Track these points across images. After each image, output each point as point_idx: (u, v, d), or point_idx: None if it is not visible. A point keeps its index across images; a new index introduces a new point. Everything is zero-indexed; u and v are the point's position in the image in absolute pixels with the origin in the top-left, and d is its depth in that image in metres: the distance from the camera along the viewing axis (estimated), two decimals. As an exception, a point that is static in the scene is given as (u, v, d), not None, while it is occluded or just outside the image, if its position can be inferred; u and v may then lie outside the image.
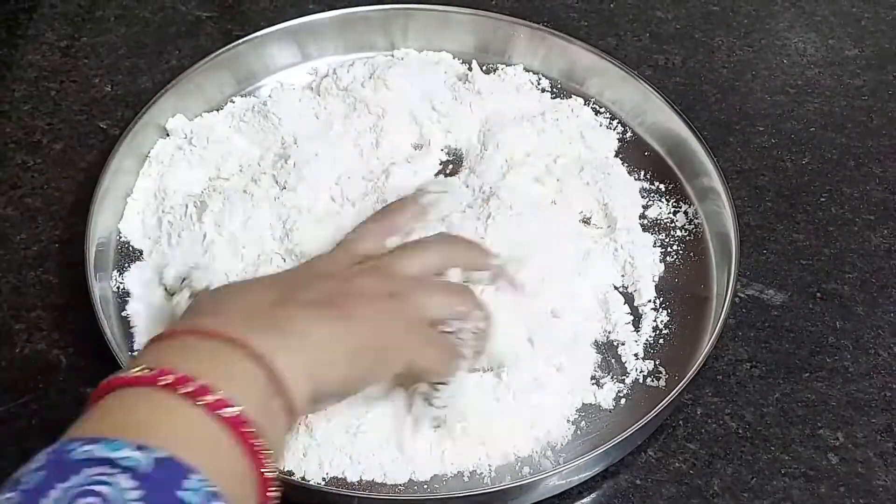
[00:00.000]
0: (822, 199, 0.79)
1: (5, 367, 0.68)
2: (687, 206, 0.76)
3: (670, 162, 0.78)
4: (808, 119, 0.84)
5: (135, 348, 0.68)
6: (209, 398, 0.45)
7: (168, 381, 0.45)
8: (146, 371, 0.46)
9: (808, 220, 0.78)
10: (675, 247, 0.74)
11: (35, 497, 0.40)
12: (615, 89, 0.81)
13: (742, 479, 0.65)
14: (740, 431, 0.67)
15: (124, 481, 0.40)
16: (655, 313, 0.70)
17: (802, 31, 0.90)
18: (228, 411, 0.45)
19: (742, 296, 0.73)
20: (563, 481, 0.63)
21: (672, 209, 0.76)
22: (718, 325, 0.66)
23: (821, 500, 0.65)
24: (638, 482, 0.65)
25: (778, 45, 0.89)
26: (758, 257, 0.76)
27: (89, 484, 0.40)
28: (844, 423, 0.68)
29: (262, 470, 0.46)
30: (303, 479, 0.62)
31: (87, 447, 0.41)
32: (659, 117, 0.79)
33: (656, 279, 0.72)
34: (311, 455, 0.62)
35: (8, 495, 0.40)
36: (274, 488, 0.47)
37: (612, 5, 0.91)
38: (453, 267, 0.64)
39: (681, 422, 0.68)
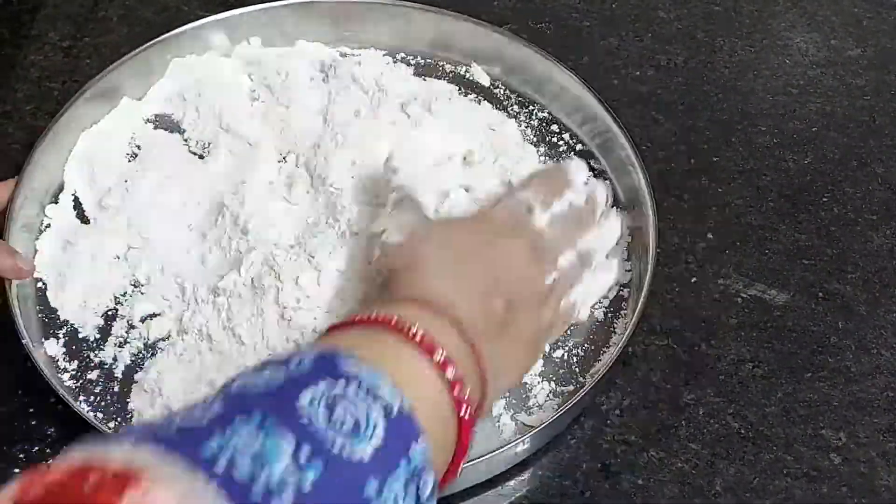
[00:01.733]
0: (825, 199, 0.79)
1: None
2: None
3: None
4: (810, 119, 0.84)
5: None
6: (452, 378, 0.51)
7: (430, 351, 0.51)
8: (409, 327, 0.51)
9: (811, 220, 0.78)
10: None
11: (301, 383, 0.44)
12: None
13: (744, 480, 0.65)
14: (742, 431, 0.67)
15: (376, 413, 0.44)
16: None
17: (804, 31, 0.90)
18: (464, 397, 0.51)
19: (744, 296, 0.74)
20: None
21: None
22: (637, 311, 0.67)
23: (823, 501, 0.65)
24: (640, 482, 0.65)
25: (780, 45, 0.89)
26: (759, 257, 0.76)
27: (349, 398, 0.44)
28: (847, 423, 0.68)
29: (461, 461, 0.52)
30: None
31: (354, 366, 0.46)
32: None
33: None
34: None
35: (275, 371, 0.45)
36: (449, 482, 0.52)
37: (613, 5, 0.91)
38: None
39: (683, 422, 0.68)
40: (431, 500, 0.47)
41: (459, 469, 0.52)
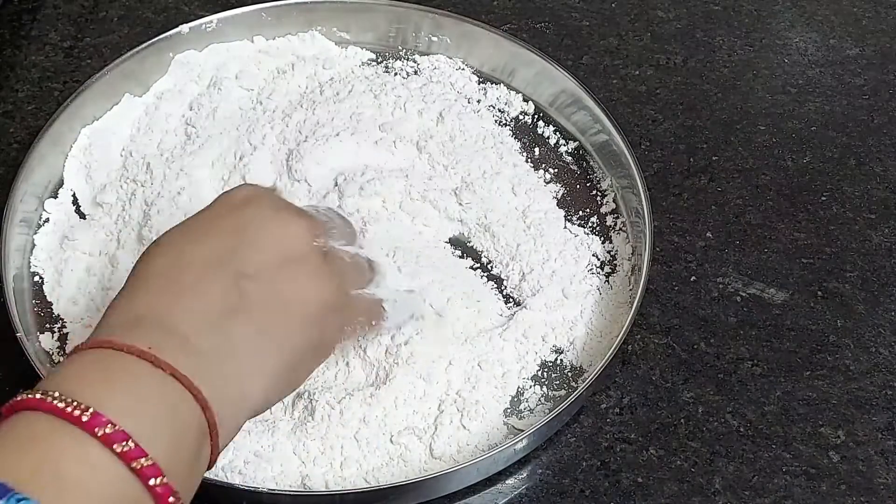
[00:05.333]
0: (823, 198, 0.79)
1: None
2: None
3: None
4: (809, 118, 0.84)
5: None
6: (126, 446, 0.42)
7: (85, 420, 0.42)
8: (63, 403, 0.42)
9: (809, 219, 0.78)
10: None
11: None
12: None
13: (743, 478, 0.66)
14: (742, 430, 0.68)
15: None
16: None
17: (803, 30, 0.91)
18: (144, 462, 0.42)
19: (743, 294, 0.74)
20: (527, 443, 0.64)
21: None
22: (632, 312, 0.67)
23: (822, 498, 0.65)
24: (639, 480, 0.65)
25: (779, 44, 0.89)
26: (759, 256, 0.76)
27: None
28: (845, 422, 0.68)
29: None
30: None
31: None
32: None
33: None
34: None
35: None
36: None
37: (613, 5, 0.92)
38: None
39: (682, 420, 0.68)
40: None
41: None
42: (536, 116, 0.81)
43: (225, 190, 0.58)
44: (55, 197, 0.75)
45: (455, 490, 0.64)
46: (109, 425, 0.42)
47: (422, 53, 0.84)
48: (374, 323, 0.62)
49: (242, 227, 0.53)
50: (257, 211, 0.54)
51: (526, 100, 0.81)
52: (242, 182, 0.73)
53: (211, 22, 0.81)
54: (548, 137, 0.80)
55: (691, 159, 0.81)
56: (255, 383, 0.50)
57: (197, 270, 0.50)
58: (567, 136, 0.80)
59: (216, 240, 0.52)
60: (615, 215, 0.75)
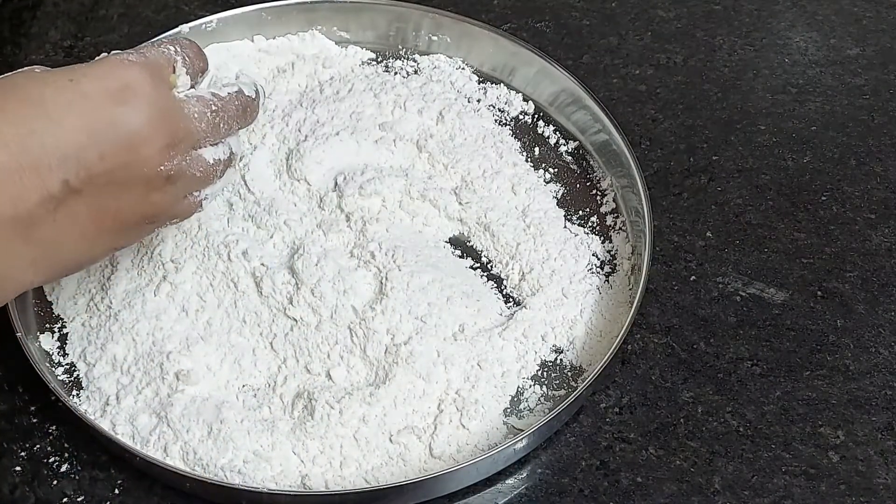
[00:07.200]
0: (824, 198, 0.79)
1: None
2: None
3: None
4: (810, 118, 0.84)
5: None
6: None
7: None
8: None
9: (809, 219, 0.78)
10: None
11: None
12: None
13: (743, 477, 0.66)
14: (741, 429, 0.68)
15: None
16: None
17: (804, 30, 0.90)
18: None
19: (743, 294, 0.74)
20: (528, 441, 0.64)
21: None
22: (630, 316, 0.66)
23: (821, 498, 0.65)
24: (639, 480, 0.65)
25: (779, 44, 0.89)
26: (759, 256, 0.76)
27: None
28: (845, 422, 0.68)
29: None
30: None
31: None
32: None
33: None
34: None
35: None
36: None
37: (613, 4, 0.92)
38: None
39: (682, 420, 0.68)
40: None
41: None
42: (536, 116, 0.81)
43: (118, 57, 0.53)
44: None
45: (455, 490, 0.64)
46: None
47: (422, 53, 0.84)
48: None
49: (102, 130, 0.50)
50: (129, 112, 0.50)
51: (526, 99, 0.81)
52: (241, 179, 0.74)
53: (211, 22, 0.81)
54: (548, 137, 0.80)
55: (691, 159, 0.81)
56: (29, 271, 0.52)
57: (30, 156, 0.48)
58: (567, 136, 0.80)
59: (69, 126, 0.49)
60: (615, 215, 0.75)
